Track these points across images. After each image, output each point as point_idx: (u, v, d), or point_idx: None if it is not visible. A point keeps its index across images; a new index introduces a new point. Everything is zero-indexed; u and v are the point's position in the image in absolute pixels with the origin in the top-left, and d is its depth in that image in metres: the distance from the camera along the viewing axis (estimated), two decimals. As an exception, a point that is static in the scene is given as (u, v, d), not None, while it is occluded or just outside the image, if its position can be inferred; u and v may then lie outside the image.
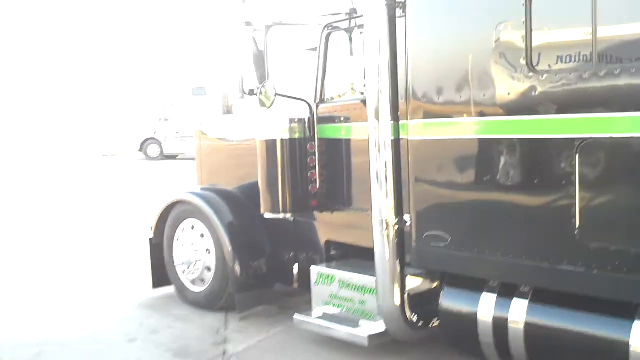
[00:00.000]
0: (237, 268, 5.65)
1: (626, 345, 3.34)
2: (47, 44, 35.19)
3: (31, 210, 12.60)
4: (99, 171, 21.89)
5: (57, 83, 34.60)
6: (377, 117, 4.28)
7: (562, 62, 3.51)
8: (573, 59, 3.47)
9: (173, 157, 26.59)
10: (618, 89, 3.29)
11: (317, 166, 5.34)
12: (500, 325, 3.88)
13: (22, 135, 31.78)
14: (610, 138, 3.33)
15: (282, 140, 5.27)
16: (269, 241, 5.89)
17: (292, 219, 5.68)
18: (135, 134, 27.50)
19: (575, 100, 3.45)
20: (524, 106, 3.64)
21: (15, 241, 9.44)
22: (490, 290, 3.98)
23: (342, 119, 5.21)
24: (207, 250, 5.93)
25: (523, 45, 3.61)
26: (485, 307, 3.97)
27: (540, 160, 3.64)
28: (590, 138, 3.38)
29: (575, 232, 3.46)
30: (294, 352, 4.95)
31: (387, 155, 4.27)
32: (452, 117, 4.02)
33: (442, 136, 4.08)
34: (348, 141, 5.18)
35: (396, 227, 4.33)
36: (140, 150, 27.42)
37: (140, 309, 6.09)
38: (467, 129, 3.92)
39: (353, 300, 4.90)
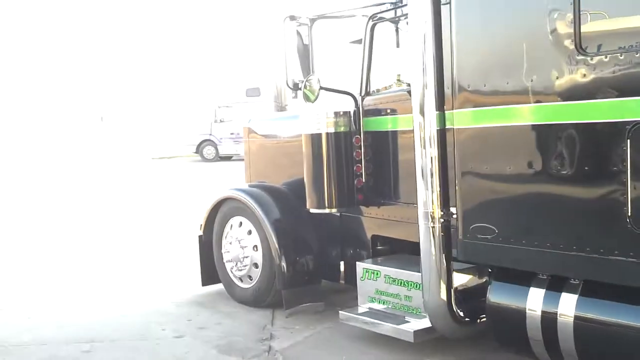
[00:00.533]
0: (284, 264, 5.62)
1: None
2: (104, 48, 36.11)
3: (88, 209, 12.92)
4: (157, 173, 22.34)
5: (115, 87, 35.50)
6: (422, 106, 4.18)
7: (611, 44, 3.34)
8: (623, 41, 3.31)
9: (228, 157, 26.96)
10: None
11: (362, 160, 5.27)
12: (549, 321, 3.72)
13: (83, 139, 32.76)
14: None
15: (327, 134, 5.22)
16: (316, 237, 5.84)
17: (338, 214, 5.64)
18: (191, 136, 27.98)
19: (626, 83, 3.28)
20: (573, 91, 3.49)
21: (72, 239, 9.68)
22: (539, 284, 3.81)
23: (388, 111, 5.12)
24: (254, 246, 5.93)
25: (572, 29, 3.45)
26: (534, 301, 3.80)
27: (589, 147, 3.47)
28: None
29: (627, 221, 3.29)
30: (339, 349, 4.88)
31: (433, 145, 4.17)
32: (498, 104, 3.88)
33: (487, 124, 3.94)
34: (394, 133, 5.09)
35: (442, 220, 4.21)
36: (196, 152, 27.88)
37: (189, 306, 6.13)
38: (513, 116, 3.77)
39: (399, 296, 4.80)
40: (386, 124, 5.16)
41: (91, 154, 30.31)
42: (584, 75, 3.41)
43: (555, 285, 3.75)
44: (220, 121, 27.53)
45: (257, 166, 6.83)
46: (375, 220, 5.35)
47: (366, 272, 5.06)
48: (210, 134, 27.68)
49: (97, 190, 16.89)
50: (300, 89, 5.10)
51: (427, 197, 4.22)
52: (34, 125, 34.20)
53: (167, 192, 15.54)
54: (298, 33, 5.15)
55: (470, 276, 4.49)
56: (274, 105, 25.12)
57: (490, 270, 4.24)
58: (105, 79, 35.49)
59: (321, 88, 5.10)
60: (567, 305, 3.66)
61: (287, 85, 5.09)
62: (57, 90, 35.56)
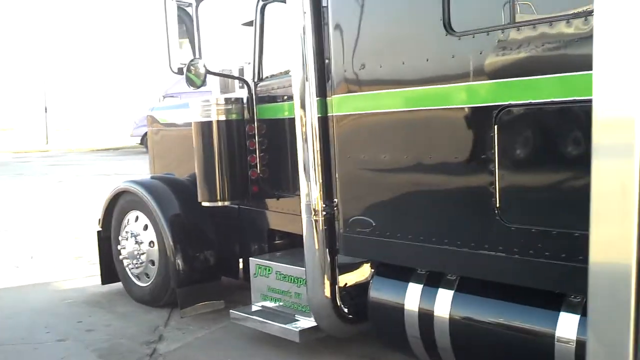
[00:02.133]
0: (179, 261, 5.32)
1: (552, 339, 2.95)
2: (48, 39, 35.28)
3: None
4: (96, 165, 21.69)
5: (60, 78, 34.73)
6: (302, 97, 3.94)
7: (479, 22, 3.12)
8: (490, 18, 3.09)
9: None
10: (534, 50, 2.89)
11: (257, 149, 4.99)
12: (426, 318, 3.50)
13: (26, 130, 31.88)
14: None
15: (217, 121, 4.93)
16: (215, 232, 5.55)
17: (237, 207, 5.36)
18: (136, 127, 27.28)
19: (494, 64, 3.06)
20: (441, 73, 3.26)
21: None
22: (418, 279, 3.60)
23: (285, 97, 4.84)
24: (150, 242, 5.61)
25: (440, 5, 3.22)
26: (412, 298, 3.59)
27: (457, 134, 3.24)
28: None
29: (495, 213, 3.08)
30: (227, 350, 4.61)
31: (313, 133, 3.92)
32: (371, 90, 3.64)
33: (361, 111, 3.70)
34: (291, 121, 4.81)
35: (325, 212, 3.97)
36: (141, 143, 27.16)
37: (83, 306, 5.79)
38: (384, 101, 3.54)
39: (289, 293, 4.55)
40: (282, 111, 4.87)
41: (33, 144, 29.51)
42: (453, 56, 3.18)
43: (433, 281, 3.53)
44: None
45: (161, 157, 6.51)
46: (272, 214, 5.09)
47: (258, 268, 4.80)
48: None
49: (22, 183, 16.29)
50: (184, 73, 4.77)
51: (309, 188, 3.98)
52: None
53: (96, 185, 15.00)
54: (183, 14, 4.81)
55: (357, 272, 4.25)
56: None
57: (375, 265, 4.03)
58: (50, 70, 34.53)
59: (207, 72, 4.80)
60: (443, 302, 3.45)
61: (171, 69, 4.76)
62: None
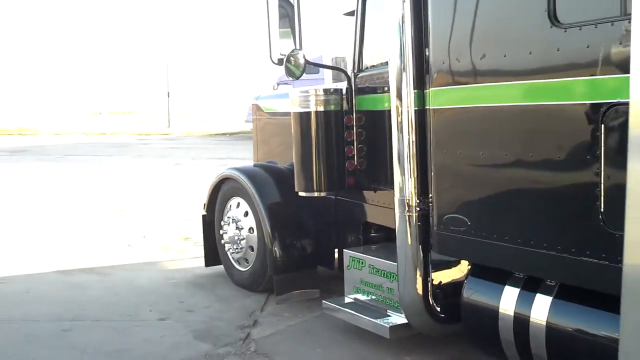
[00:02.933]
0: (276, 249, 5.38)
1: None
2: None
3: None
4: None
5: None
6: (399, 88, 3.84)
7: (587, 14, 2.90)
8: (598, 9, 2.86)
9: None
10: None
11: (354, 141, 4.94)
12: (521, 323, 3.34)
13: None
14: None
15: (316, 112, 4.92)
16: (312, 222, 5.57)
17: (333, 198, 5.35)
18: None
19: (602, 59, 2.83)
20: (547, 67, 3.06)
21: (59, 211, 9.75)
22: (515, 282, 3.43)
23: (385, 89, 4.74)
24: (250, 229, 5.72)
25: (546, -3, 3.03)
26: (507, 301, 3.43)
27: (564, 132, 3.04)
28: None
29: (600, 218, 2.87)
30: (316, 341, 4.63)
31: (410, 127, 3.82)
32: (471, 82, 3.49)
33: (460, 105, 3.56)
34: (389, 113, 4.70)
35: (419, 208, 3.87)
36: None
37: (187, 287, 6.00)
38: (484, 95, 3.38)
39: (382, 288, 4.49)
40: (382, 103, 4.77)
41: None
42: (558, 49, 2.98)
43: (531, 286, 3.36)
44: (282, 99, 27.26)
45: (264, 146, 6.59)
46: (368, 206, 5.03)
47: (352, 260, 4.77)
48: None
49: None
50: (284, 63, 4.79)
51: (403, 183, 3.89)
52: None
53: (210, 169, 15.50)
54: (285, 4, 4.82)
55: (451, 270, 4.12)
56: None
57: (471, 264, 3.88)
58: (174, 56, 35.96)
59: (307, 63, 4.79)
60: (541, 308, 3.27)
61: (271, 60, 4.79)
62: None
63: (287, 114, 5.83)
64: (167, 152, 20.66)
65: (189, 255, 7.23)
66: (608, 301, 3.00)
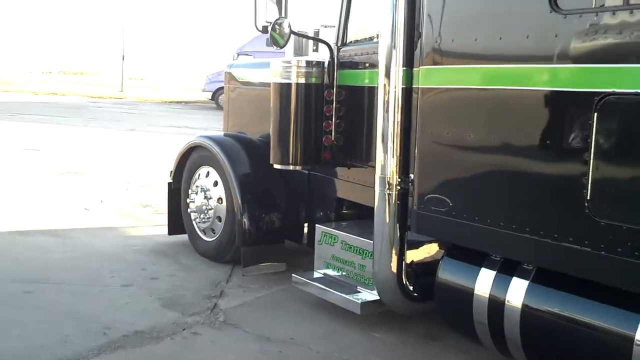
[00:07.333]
0: (245, 220, 5.33)
1: (630, 342, 2.80)
2: None
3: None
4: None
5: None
6: (387, 61, 3.81)
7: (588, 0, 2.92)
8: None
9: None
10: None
11: (333, 116, 4.90)
12: (496, 306, 3.39)
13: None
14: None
15: (296, 84, 4.85)
16: (283, 195, 5.53)
17: (307, 172, 5.31)
18: (208, 83, 27.47)
19: (600, 47, 2.86)
20: (542, 53, 3.08)
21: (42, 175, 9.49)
22: (491, 265, 3.48)
23: (367, 64, 4.71)
24: (219, 199, 5.65)
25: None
26: (483, 283, 3.47)
27: (552, 119, 3.08)
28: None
29: (585, 206, 2.92)
30: (285, 313, 4.61)
31: (395, 104, 3.81)
32: (464, 63, 3.49)
33: (449, 85, 3.56)
34: (371, 90, 4.69)
35: (399, 187, 3.88)
36: (212, 99, 27.37)
37: (149, 255, 5.89)
38: (476, 77, 3.39)
39: (353, 264, 4.50)
40: (363, 78, 4.75)
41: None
42: (556, 35, 3.00)
43: (507, 269, 3.41)
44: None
45: (236, 115, 6.49)
46: (342, 183, 5.02)
47: (324, 235, 4.76)
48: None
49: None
50: (268, 31, 4.70)
51: (385, 161, 3.88)
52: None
53: (167, 137, 15.25)
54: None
55: (425, 250, 4.15)
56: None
57: (446, 244, 3.91)
58: (130, 19, 35.07)
59: (292, 32, 4.72)
60: (517, 291, 3.32)
61: (256, 27, 4.70)
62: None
63: (263, 84, 5.79)
64: (121, 117, 20.23)
65: (149, 222, 7.13)
66: (584, 287, 3.08)
